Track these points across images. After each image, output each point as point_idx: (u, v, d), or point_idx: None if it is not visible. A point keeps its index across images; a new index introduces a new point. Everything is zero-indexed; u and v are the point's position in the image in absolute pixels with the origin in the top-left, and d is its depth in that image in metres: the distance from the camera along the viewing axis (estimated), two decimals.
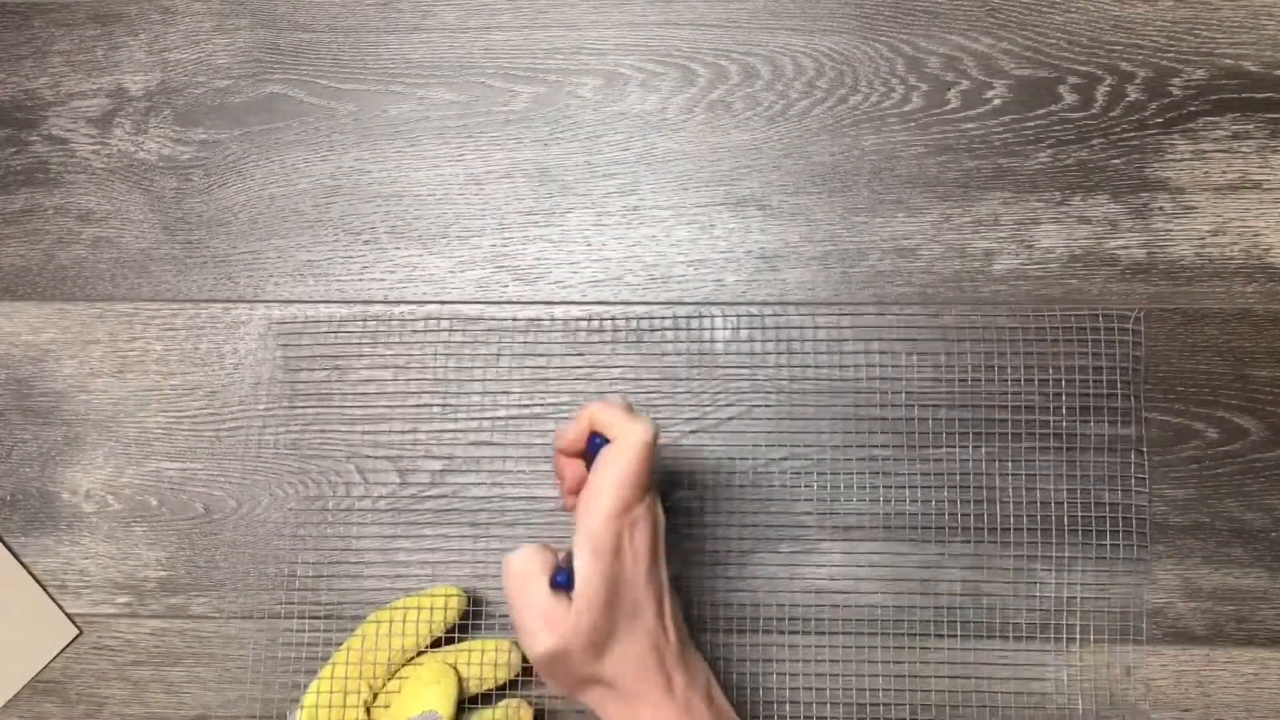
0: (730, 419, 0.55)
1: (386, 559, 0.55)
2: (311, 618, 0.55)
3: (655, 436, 0.44)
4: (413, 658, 0.52)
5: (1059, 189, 0.56)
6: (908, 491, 0.54)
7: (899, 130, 0.57)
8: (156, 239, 0.58)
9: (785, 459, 0.55)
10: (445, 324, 0.57)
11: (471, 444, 0.56)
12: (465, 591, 0.53)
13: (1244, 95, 0.56)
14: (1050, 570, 0.53)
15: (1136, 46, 0.57)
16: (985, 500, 0.54)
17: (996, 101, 0.57)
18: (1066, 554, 0.53)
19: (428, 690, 0.49)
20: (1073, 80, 0.57)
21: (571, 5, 0.59)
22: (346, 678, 0.51)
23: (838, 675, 0.53)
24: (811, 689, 0.53)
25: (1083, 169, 0.56)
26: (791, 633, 0.53)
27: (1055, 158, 0.57)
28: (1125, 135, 0.57)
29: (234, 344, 0.57)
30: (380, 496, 0.56)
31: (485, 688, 0.51)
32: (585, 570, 0.42)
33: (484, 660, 0.51)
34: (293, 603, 0.55)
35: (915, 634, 0.53)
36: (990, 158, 0.57)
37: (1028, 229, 0.56)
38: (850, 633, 0.53)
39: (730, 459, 0.55)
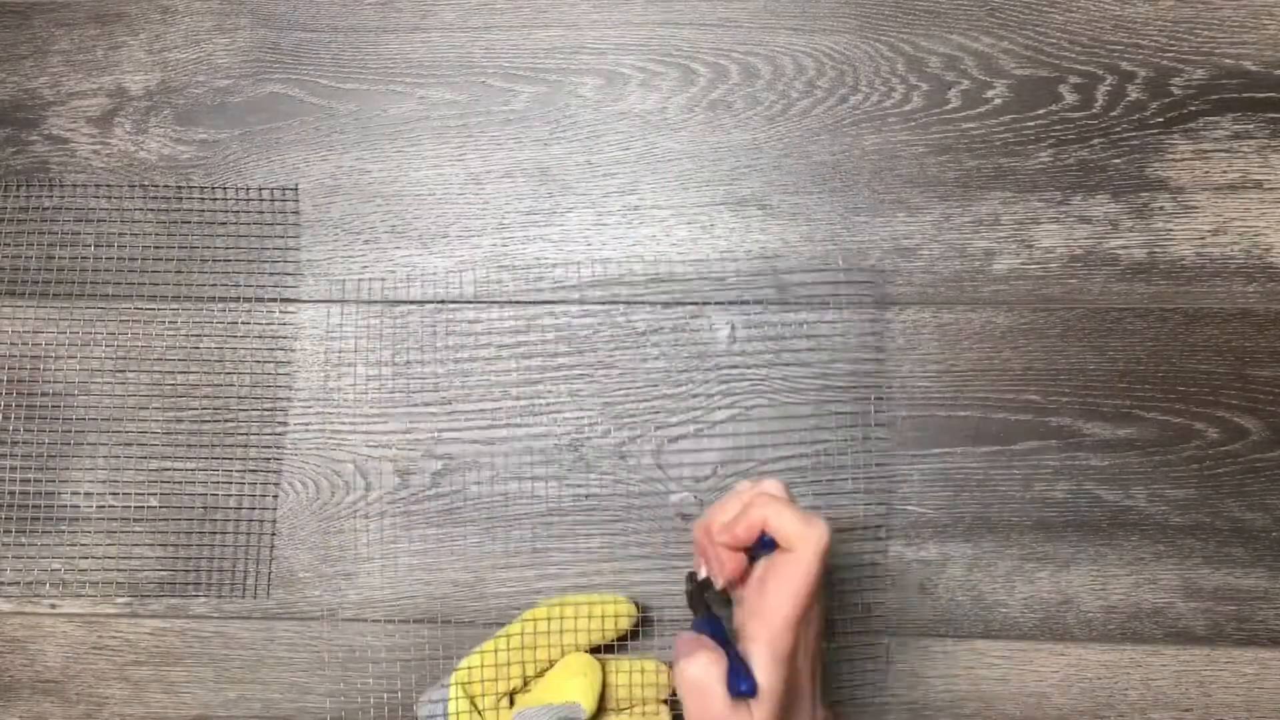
0: (730, 419, 0.55)
1: (386, 559, 0.55)
2: (312, 619, 0.55)
3: (830, 540, 0.44)
4: None
5: (1059, 188, 0.56)
6: (908, 489, 0.54)
7: (899, 130, 0.57)
8: (156, 239, 0.58)
9: (784, 458, 0.55)
10: (444, 324, 0.57)
11: (471, 443, 0.56)
12: (635, 603, 0.53)
13: (1244, 95, 0.56)
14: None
15: (1137, 46, 0.57)
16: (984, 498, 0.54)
17: (997, 101, 0.57)
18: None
19: (573, 680, 0.49)
20: (1073, 80, 0.57)
21: (571, 5, 0.59)
22: (509, 663, 0.50)
23: (837, 673, 0.53)
24: None
25: (1083, 168, 0.56)
26: None
27: (1056, 157, 0.57)
28: (1126, 135, 0.56)
29: (234, 344, 0.57)
30: (380, 497, 0.56)
31: (631, 705, 0.51)
32: (769, 677, 0.43)
33: (633, 681, 0.51)
34: (293, 602, 0.55)
35: (917, 634, 0.53)
36: (990, 157, 0.57)
37: (1028, 229, 0.56)
38: (849, 631, 0.53)
39: (730, 459, 0.55)
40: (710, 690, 0.43)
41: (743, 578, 0.46)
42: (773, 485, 0.46)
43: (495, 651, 0.51)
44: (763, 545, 0.45)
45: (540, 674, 0.51)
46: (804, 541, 0.43)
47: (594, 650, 0.52)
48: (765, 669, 0.43)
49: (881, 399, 0.55)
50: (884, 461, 0.54)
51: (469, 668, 0.50)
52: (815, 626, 0.45)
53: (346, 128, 0.59)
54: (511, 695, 0.50)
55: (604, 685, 0.50)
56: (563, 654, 0.51)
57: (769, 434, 0.55)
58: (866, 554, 0.54)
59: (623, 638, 0.52)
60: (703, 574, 0.48)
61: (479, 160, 0.58)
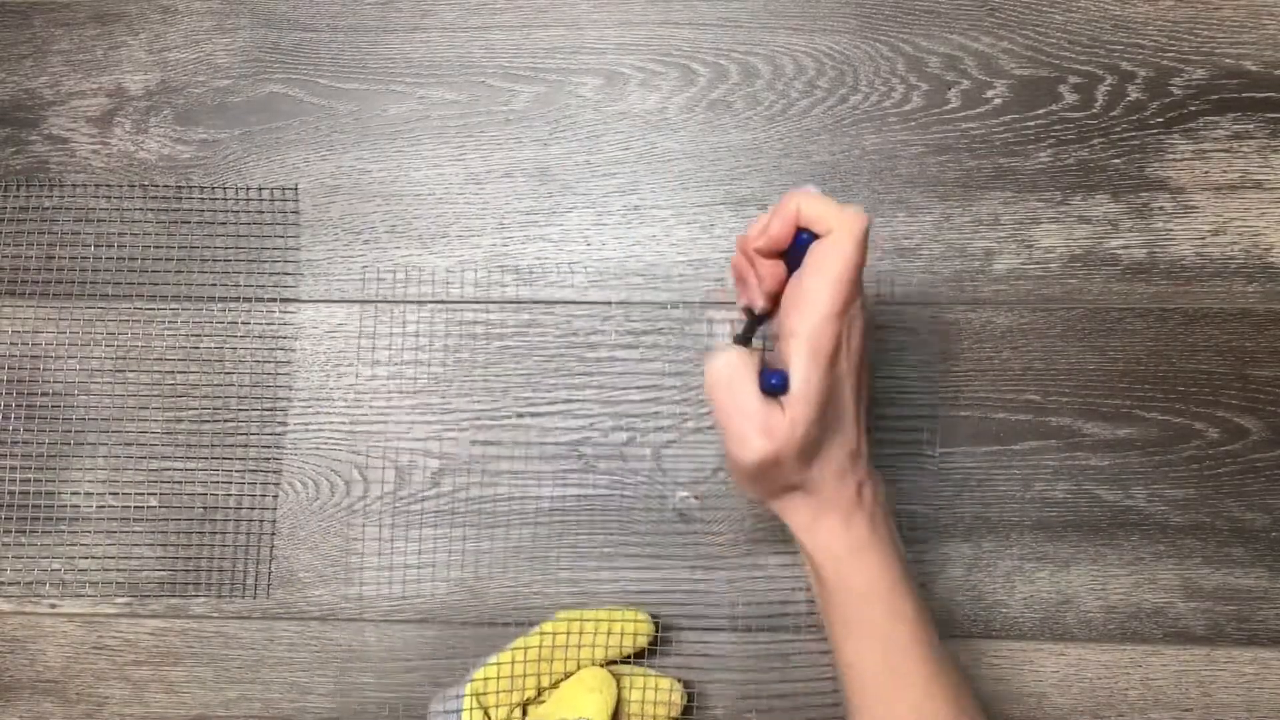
0: None
1: (386, 559, 0.55)
2: (312, 619, 0.55)
3: (869, 225, 0.41)
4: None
5: (1059, 188, 0.56)
6: (908, 489, 0.54)
7: (899, 130, 0.57)
8: (156, 239, 0.58)
9: None
10: (444, 324, 0.57)
11: (471, 444, 0.56)
12: (654, 621, 0.53)
13: (1244, 95, 0.56)
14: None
15: (1137, 46, 0.57)
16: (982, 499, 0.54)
17: (997, 101, 0.57)
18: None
19: (587, 695, 0.49)
20: (1073, 80, 0.57)
21: (571, 5, 0.59)
22: (525, 674, 0.50)
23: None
24: (810, 685, 0.53)
25: (1083, 168, 0.56)
26: (795, 629, 0.53)
27: (1056, 157, 0.57)
28: (1126, 135, 0.56)
29: (234, 344, 0.57)
30: (380, 496, 0.56)
31: None
32: (805, 372, 0.40)
33: (646, 699, 0.51)
34: (293, 602, 0.55)
35: None
36: (990, 157, 0.57)
37: (1028, 228, 0.56)
38: None
39: None
40: (739, 384, 0.40)
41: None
42: (808, 187, 0.43)
43: (511, 662, 0.51)
44: (799, 245, 0.42)
45: (555, 685, 0.51)
46: (841, 222, 0.40)
47: (609, 664, 0.52)
48: (803, 366, 0.40)
49: (938, 407, 0.55)
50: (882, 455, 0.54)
51: (484, 678, 0.50)
52: (859, 331, 0.42)
53: (346, 128, 0.59)
54: (525, 706, 0.50)
55: (618, 700, 0.50)
56: (579, 667, 0.51)
57: None
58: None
59: (639, 653, 0.52)
60: (759, 306, 0.44)
61: (479, 160, 0.58)
